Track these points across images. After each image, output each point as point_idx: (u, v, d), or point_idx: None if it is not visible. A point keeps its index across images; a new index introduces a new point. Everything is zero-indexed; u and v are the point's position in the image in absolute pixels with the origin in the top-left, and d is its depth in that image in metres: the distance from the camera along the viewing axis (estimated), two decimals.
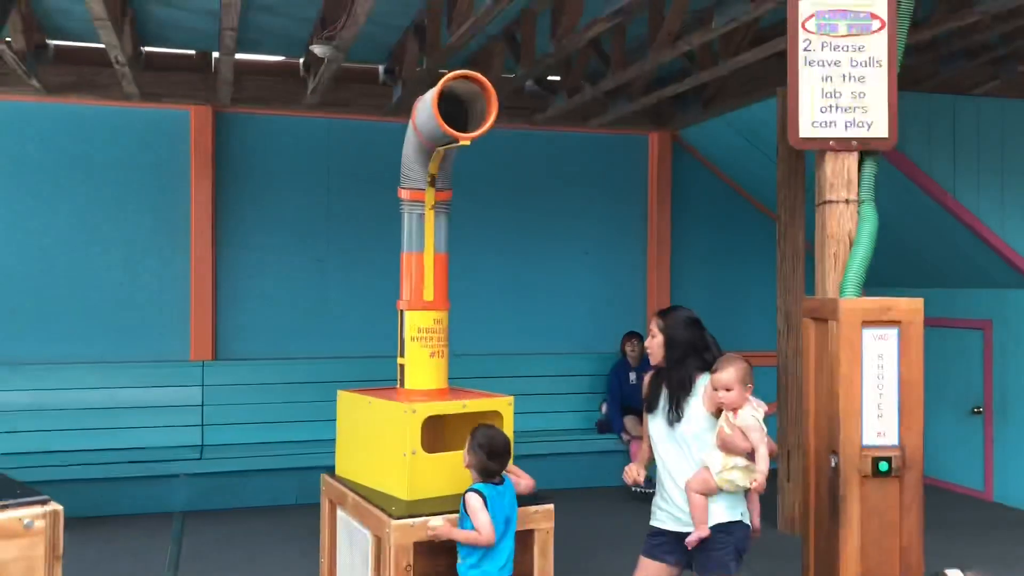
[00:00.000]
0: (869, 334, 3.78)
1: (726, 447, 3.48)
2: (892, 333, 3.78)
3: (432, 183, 4.18)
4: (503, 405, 4.18)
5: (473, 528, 3.57)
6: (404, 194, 4.22)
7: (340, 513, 4.32)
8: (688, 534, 3.56)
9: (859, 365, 3.78)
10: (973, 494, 7.73)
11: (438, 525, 3.66)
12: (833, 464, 3.84)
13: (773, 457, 3.51)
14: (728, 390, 3.47)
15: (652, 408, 3.74)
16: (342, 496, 4.27)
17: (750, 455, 3.46)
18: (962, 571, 2.80)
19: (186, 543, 6.23)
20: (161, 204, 7.59)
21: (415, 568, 3.70)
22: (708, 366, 3.60)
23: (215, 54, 7.02)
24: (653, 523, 3.73)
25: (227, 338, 7.73)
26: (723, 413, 3.53)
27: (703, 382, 3.63)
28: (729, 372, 3.48)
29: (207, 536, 6.39)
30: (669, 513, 3.66)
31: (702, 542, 3.51)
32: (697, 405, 3.60)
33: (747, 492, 3.62)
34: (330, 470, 4.55)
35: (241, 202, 7.80)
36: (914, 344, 3.79)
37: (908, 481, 3.78)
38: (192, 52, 7.27)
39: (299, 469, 7.20)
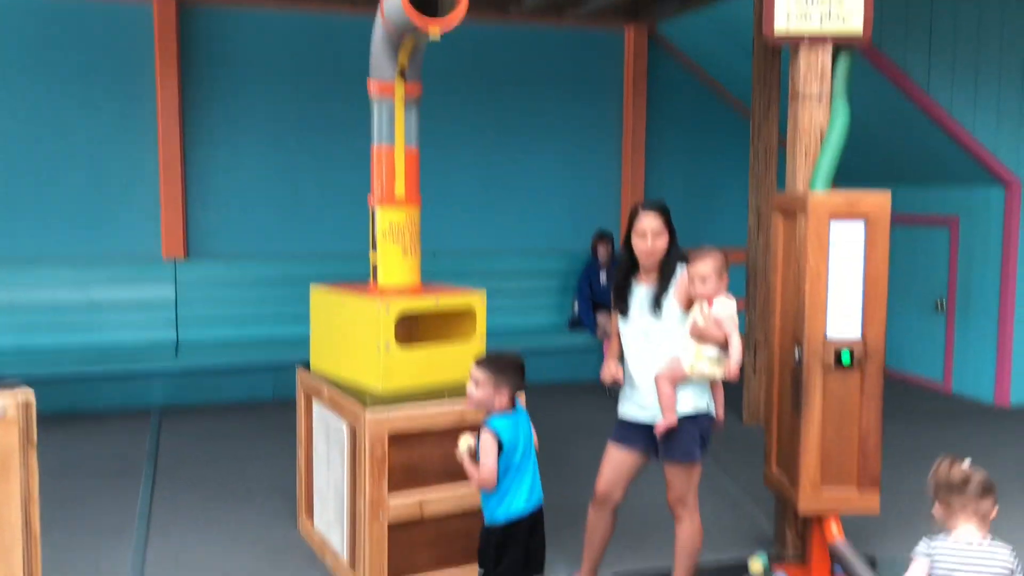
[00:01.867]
0: (837, 227, 3.83)
1: (701, 337, 3.53)
2: (859, 227, 3.83)
3: (402, 75, 4.11)
4: (476, 301, 4.22)
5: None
6: (373, 86, 4.15)
7: (316, 406, 4.39)
8: (654, 423, 3.65)
9: (826, 258, 3.84)
10: (932, 386, 7.97)
11: (464, 451, 3.37)
12: (797, 356, 3.95)
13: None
14: (704, 281, 3.51)
15: (623, 304, 3.78)
16: (317, 389, 4.34)
17: (722, 346, 3.53)
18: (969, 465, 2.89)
19: (164, 439, 6.32)
20: (127, 100, 7.43)
21: (390, 457, 3.79)
22: (684, 257, 3.63)
23: None
24: (621, 413, 3.83)
25: (199, 236, 7.69)
26: (695, 305, 3.58)
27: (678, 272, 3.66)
28: (707, 263, 3.51)
29: (185, 432, 6.49)
30: (636, 404, 3.74)
31: (669, 430, 3.61)
32: (670, 298, 3.65)
33: (712, 384, 3.72)
34: (305, 365, 4.61)
35: (209, 99, 7.64)
36: (880, 238, 3.85)
37: (869, 372, 3.89)
38: None
39: (275, 365, 7.28)
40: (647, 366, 3.67)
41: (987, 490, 2.85)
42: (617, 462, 3.82)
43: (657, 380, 3.61)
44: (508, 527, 3.33)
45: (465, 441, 3.38)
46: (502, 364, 3.38)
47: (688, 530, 3.75)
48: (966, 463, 2.90)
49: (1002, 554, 2.79)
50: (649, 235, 3.62)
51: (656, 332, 3.65)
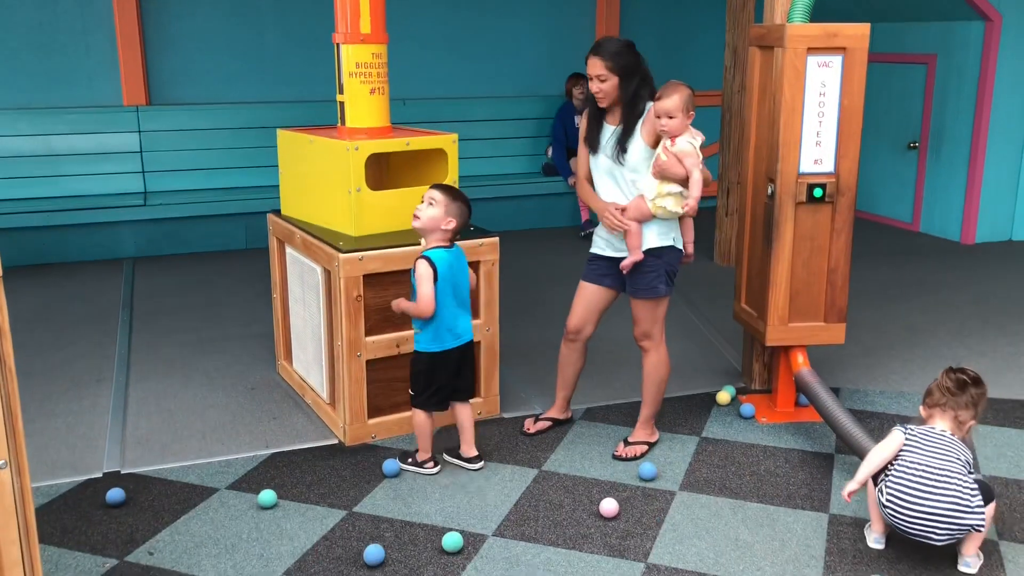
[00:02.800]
0: (813, 61, 3.77)
1: (662, 173, 3.51)
2: (836, 60, 3.77)
3: None
4: (447, 143, 4.15)
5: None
6: None
7: (289, 251, 4.38)
8: (623, 259, 3.68)
9: (802, 92, 3.80)
10: (901, 225, 8.07)
11: (395, 302, 3.60)
12: (770, 192, 3.96)
13: (707, 186, 3.56)
14: (671, 117, 3.46)
15: (593, 145, 3.73)
16: (290, 234, 4.31)
17: (685, 182, 3.52)
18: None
19: (138, 288, 6.31)
20: None
21: (365, 298, 3.82)
22: (653, 94, 3.57)
23: None
24: (592, 250, 3.86)
25: (160, 83, 7.43)
26: (661, 141, 3.54)
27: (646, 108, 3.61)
28: (673, 99, 3.46)
29: (159, 281, 6.47)
30: (607, 240, 3.77)
31: (635, 265, 3.65)
32: (636, 139, 3.61)
33: (681, 219, 3.72)
34: (277, 212, 4.56)
35: None
36: (857, 71, 3.79)
37: (840, 206, 3.92)
38: None
39: (246, 213, 7.21)
40: (615, 199, 3.68)
41: (972, 404, 3.00)
42: (588, 297, 3.88)
43: (624, 220, 3.61)
44: (437, 355, 3.58)
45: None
46: (458, 193, 3.55)
47: (654, 361, 3.84)
48: (970, 371, 3.05)
49: (960, 447, 2.97)
50: (595, 80, 3.61)
51: (621, 173, 3.65)
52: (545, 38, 8.45)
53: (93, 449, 3.88)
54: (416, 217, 3.51)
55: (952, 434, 2.98)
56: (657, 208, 3.57)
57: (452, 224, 3.50)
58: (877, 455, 3.05)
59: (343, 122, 4.20)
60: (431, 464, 3.69)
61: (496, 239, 4.05)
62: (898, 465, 2.98)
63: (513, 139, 8.36)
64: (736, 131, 6.60)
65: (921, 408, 3.11)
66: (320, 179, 4.12)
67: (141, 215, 7.01)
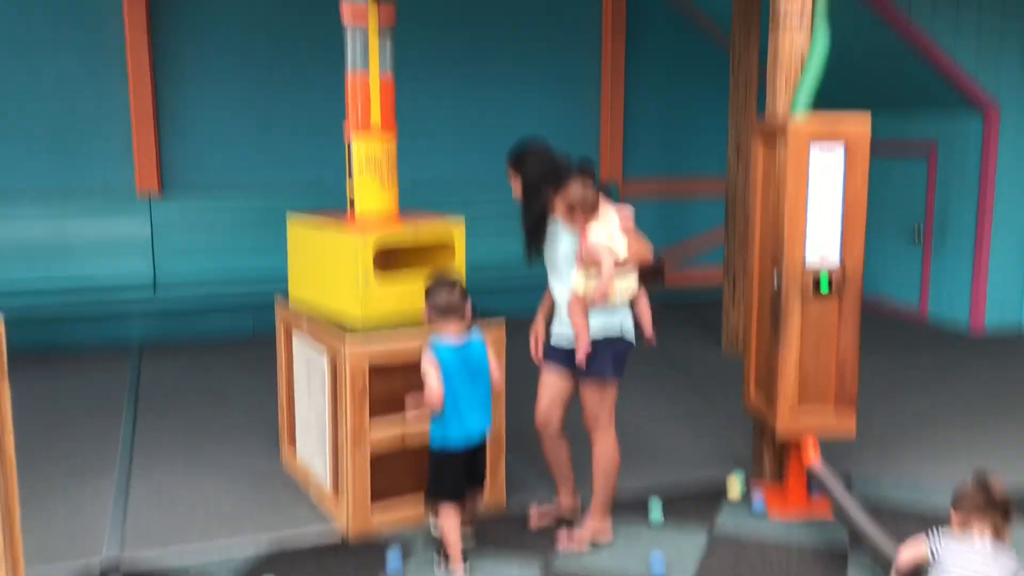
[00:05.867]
0: (816, 150, 3.81)
1: (581, 263, 3.57)
2: (839, 150, 3.81)
3: (375, 0, 4.01)
4: (454, 228, 4.19)
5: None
6: (347, 11, 4.05)
7: (296, 336, 4.38)
8: (573, 349, 3.67)
9: (805, 182, 3.83)
10: (909, 313, 8.05)
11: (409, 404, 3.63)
12: (776, 282, 3.96)
13: (646, 262, 3.62)
14: (562, 215, 3.57)
15: (533, 244, 3.86)
16: (297, 320, 4.32)
17: (640, 269, 3.62)
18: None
19: (144, 375, 6.30)
20: (94, 33, 7.22)
21: (371, 387, 3.80)
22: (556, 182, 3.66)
23: None
24: (551, 341, 3.89)
25: (173, 170, 7.57)
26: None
27: None
28: (557, 202, 3.56)
29: (165, 369, 6.47)
30: (559, 331, 3.83)
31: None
32: (558, 232, 3.72)
33: (634, 304, 3.71)
34: (285, 298, 4.57)
35: (180, 30, 7.45)
36: (860, 162, 3.84)
37: (847, 297, 3.92)
38: None
39: (254, 301, 7.22)
40: (561, 296, 3.77)
41: (1006, 514, 2.94)
42: (550, 386, 3.89)
43: (568, 309, 3.65)
44: (443, 454, 3.49)
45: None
46: (432, 287, 3.53)
47: (601, 448, 3.77)
48: (999, 480, 3.00)
49: (1008, 555, 2.91)
50: (510, 183, 3.82)
51: (554, 266, 3.79)
52: (551, 125, 8.58)
53: (93, 538, 3.81)
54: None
55: (995, 543, 2.91)
56: (588, 296, 3.56)
57: (438, 319, 3.47)
58: (907, 556, 3.00)
59: (352, 209, 4.25)
60: (459, 569, 3.50)
61: (502, 318, 4.05)
62: (945, 574, 2.90)
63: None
64: (741, 220, 6.65)
65: (953, 514, 3.02)
66: (328, 266, 4.15)
67: (150, 302, 7.04)
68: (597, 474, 3.80)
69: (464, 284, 3.58)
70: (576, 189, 3.52)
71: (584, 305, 3.58)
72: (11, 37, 7.06)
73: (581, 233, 3.56)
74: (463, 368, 3.47)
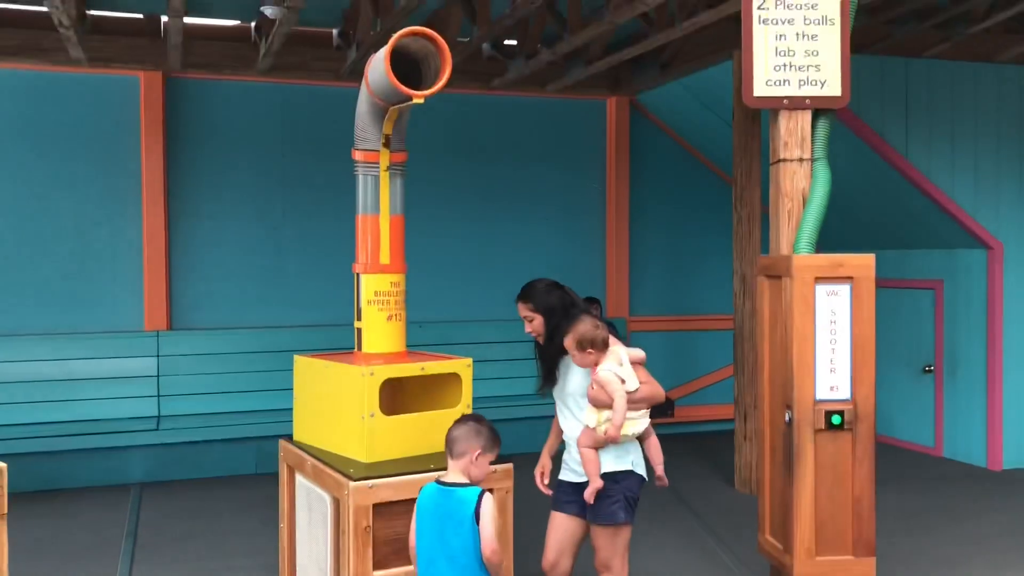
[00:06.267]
0: (822, 290, 3.83)
1: (593, 403, 3.59)
2: (844, 289, 3.83)
3: (386, 144, 4.13)
4: (461, 367, 4.17)
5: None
6: (358, 155, 4.16)
7: (299, 478, 4.29)
8: (584, 484, 3.63)
9: (812, 320, 3.83)
10: (924, 450, 7.91)
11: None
12: (787, 419, 3.91)
13: (654, 402, 3.62)
14: (573, 355, 3.62)
15: (545, 380, 3.87)
16: (300, 461, 4.25)
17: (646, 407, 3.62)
18: None
19: (144, 515, 6.17)
20: (112, 172, 7.44)
21: (375, 530, 3.70)
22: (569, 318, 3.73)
23: (164, 18, 6.86)
24: (560, 476, 3.84)
25: (182, 308, 7.63)
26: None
27: None
28: (568, 339, 3.61)
29: (165, 507, 6.33)
30: (569, 466, 3.80)
31: (598, 495, 3.58)
32: (570, 368, 3.75)
33: (643, 441, 3.70)
34: (289, 438, 4.52)
35: (194, 170, 7.67)
36: (866, 300, 3.85)
37: (860, 434, 3.85)
38: (141, 16, 7.09)
39: (258, 438, 7.17)
40: (569, 426, 3.77)
41: None
42: (559, 528, 3.80)
43: (578, 448, 3.64)
44: None
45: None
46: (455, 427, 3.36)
47: None
48: None
49: None
50: (524, 321, 3.85)
51: (564, 401, 3.79)
52: (556, 265, 8.67)
53: None
54: None
55: None
56: (602, 432, 3.58)
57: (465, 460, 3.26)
58: None
59: (360, 347, 4.25)
60: None
61: (510, 466, 3.97)
62: None
63: (527, 361, 8.38)
64: (750, 355, 6.63)
65: None
66: (334, 404, 4.11)
67: (153, 439, 6.96)
68: None
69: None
70: (588, 327, 3.57)
71: (596, 440, 3.57)
72: (30, 172, 7.25)
73: (592, 370, 3.59)
74: (439, 517, 3.21)
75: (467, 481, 3.23)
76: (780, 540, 4.03)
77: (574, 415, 3.74)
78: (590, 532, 3.69)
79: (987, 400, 7.34)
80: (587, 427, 3.61)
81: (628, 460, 3.64)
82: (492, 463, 3.37)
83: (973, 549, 5.42)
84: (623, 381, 3.55)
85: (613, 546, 3.62)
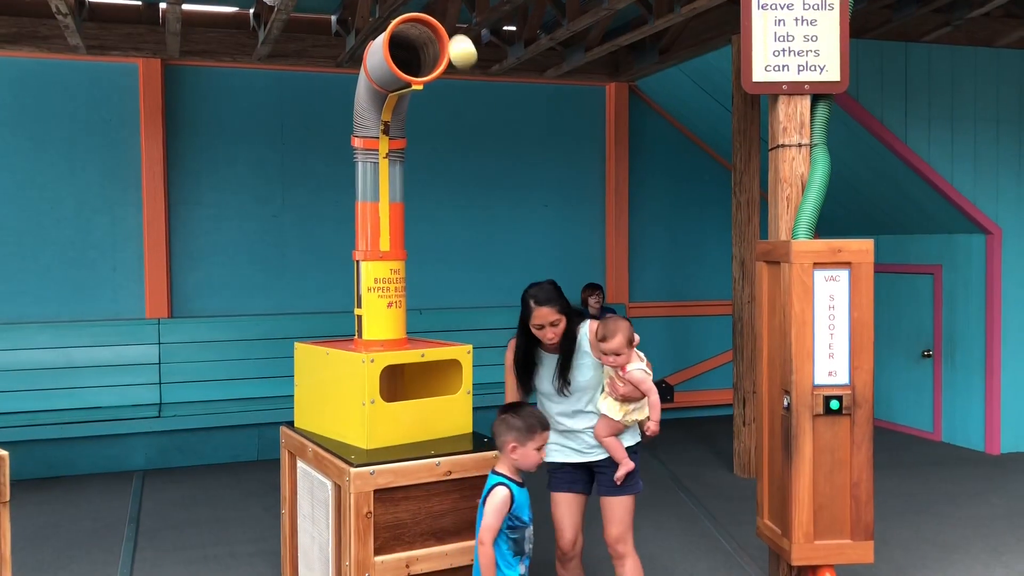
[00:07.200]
0: (820, 275, 3.84)
1: (625, 399, 3.71)
2: (843, 274, 3.84)
3: (386, 131, 4.13)
4: (462, 354, 4.19)
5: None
6: (357, 143, 4.16)
7: (300, 464, 4.32)
8: (589, 463, 3.82)
9: (811, 306, 3.84)
10: (922, 435, 7.93)
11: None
12: (786, 404, 3.92)
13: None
14: (618, 355, 3.67)
15: (528, 383, 3.88)
16: (301, 447, 4.27)
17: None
18: None
19: (146, 501, 6.20)
20: (111, 160, 7.44)
21: (376, 516, 3.72)
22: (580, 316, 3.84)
23: (162, 4, 6.84)
24: (556, 460, 3.88)
25: (183, 295, 7.64)
26: (607, 368, 3.76)
27: (583, 334, 3.81)
28: (618, 339, 3.65)
29: (167, 494, 6.36)
30: (573, 449, 3.86)
31: (609, 469, 3.76)
32: (581, 365, 3.78)
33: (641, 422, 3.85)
34: (290, 425, 4.54)
35: (193, 157, 7.66)
36: (864, 285, 3.86)
37: (858, 419, 3.87)
38: (139, 3, 7.07)
39: (259, 425, 7.19)
40: (580, 423, 3.82)
41: None
42: (572, 508, 3.89)
43: (601, 439, 3.77)
44: None
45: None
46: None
47: (634, 565, 3.80)
48: None
49: None
50: (547, 327, 3.74)
51: (576, 386, 3.80)
52: (557, 251, 8.71)
53: None
54: None
55: None
56: (630, 421, 3.78)
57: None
58: None
59: (360, 334, 4.26)
60: None
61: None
62: None
63: None
64: (748, 341, 6.64)
65: None
66: (335, 391, 4.13)
67: (154, 427, 6.99)
68: None
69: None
70: (627, 328, 3.68)
71: (615, 429, 3.75)
72: (30, 161, 7.24)
73: (622, 366, 3.70)
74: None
75: (505, 471, 3.42)
76: (778, 524, 4.06)
77: (583, 408, 3.80)
78: (606, 507, 3.80)
79: (985, 385, 7.36)
80: (605, 417, 3.75)
81: (636, 438, 3.85)
82: (539, 447, 3.46)
83: (971, 533, 5.45)
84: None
85: (629, 516, 3.80)
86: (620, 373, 3.72)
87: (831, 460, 3.87)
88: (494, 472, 3.44)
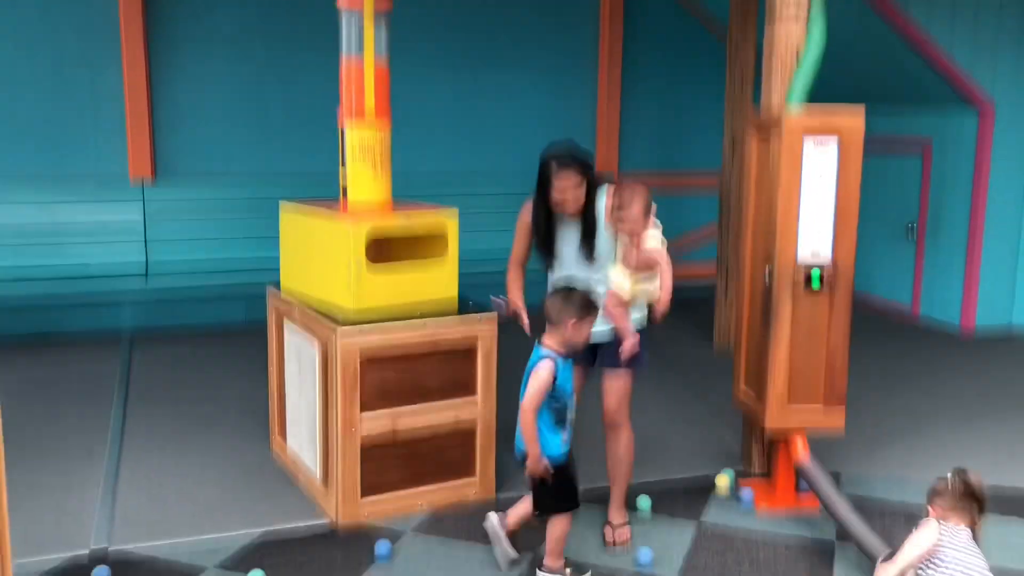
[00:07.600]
0: (810, 143, 3.81)
1: (639, 267, 3.61)
2: (833, 142, 3.81)
3: None
4: (448, 218, 4.18)
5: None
6: (343, 2, 4.02)
7: (287, 327, 4.37)
8: (596, 343, 3.72)
9: (799, 175, 3.83)
10: (900, 311, 8.07)
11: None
12: (767, 276, 3.96)
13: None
14: (636, 222, 3.57)
15: (551, 254, 3.81)
16: (288, 308, 4.31)
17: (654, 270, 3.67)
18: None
19: (135, 363, 6.28)
20: (89, 17, 7.17)
21: (362, 377, 3.79)
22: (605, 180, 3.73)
23: None
24: None
25: (166, 157, 7.53)
26: (621, 236, 3.65)
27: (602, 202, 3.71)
28: (637, 205, 3.55)
29: (157, 356, 6.44)
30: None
31: (616, 344, 3.69)
32: (600, 233, 3.71)
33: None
34: (277, 285, 4.56)
35: (174, 15, 7.40)
36: (853, 154, 3.84)
37: (838, 293, 3.92)
38: None
39: (246, 288, 7.19)
40: (596, 287, 3.72)
41: (982, 509, 3.00)
42: (577, 382, 3.85)
43: (610, 312, 3.67)
44: (563, 462, 3.44)
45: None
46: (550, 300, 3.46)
47: (628, 437, 3.85)
48: (976, 475, 3.03)
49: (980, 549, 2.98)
50: (570, 193, 3.61)
51: (589, 265, 3.72)
52: (546, 118, 8.57)
53: (81, 526, 3.80)
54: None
55: (973, 536, 2.94)
56: (641, 292, 3.68)
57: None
58: (916, 548, 2.94)
59: (345, 197, 4.23)
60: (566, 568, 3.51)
61: (495, 314, 4.05)
62: (941, 563, 2.89)
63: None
64: (735, 215, 6.64)
65: (931, 508, 3.03)
66: (321, 254, 4.13)
67: (142, 289, 7.01)
68: (624, 466, 3.86)
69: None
70: (646, 194, 3.57)
71: (626, 304, 3.67)
72: (5, 24, 7.00)
73: (637, 239, 3.59)
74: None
75: (554, 345, 3.40)
76: (754, 391, 4.17)
77: (588, 276, 3.70)
78: (607, 380, 3.78)
79: (966, 261, 7.43)
80: (612, 292, 3.66)
81: (644, 312, 3.80)
82: (590, 328, 3.46)
83: (941, 404, 5.62)
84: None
85: (629, 390, 3.80)
86: (635, 242, 3.62)
87: (809, 331, 3.94)
88: (541, 345, 3.43)
